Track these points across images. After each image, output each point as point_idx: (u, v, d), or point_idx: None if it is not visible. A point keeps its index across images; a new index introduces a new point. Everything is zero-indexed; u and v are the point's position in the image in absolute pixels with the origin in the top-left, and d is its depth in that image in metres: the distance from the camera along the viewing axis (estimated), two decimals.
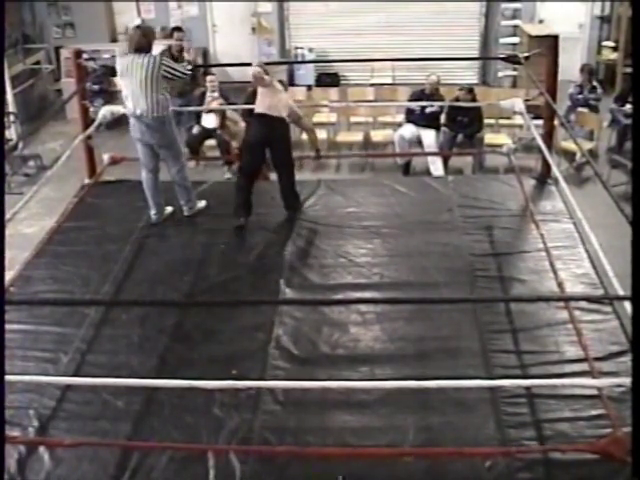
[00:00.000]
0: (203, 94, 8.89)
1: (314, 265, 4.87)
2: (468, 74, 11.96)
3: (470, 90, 8.72)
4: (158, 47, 10.19)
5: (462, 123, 8.73)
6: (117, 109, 5.81)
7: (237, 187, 5.46)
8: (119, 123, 6.66)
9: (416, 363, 3.91)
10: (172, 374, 3.75)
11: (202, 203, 5.61)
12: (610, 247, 4.20)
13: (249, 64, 5.35)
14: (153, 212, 5.41)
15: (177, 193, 5.45)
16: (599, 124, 9.13)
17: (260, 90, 5.37)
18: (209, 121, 8.83)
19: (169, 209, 5.57)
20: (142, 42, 4.98)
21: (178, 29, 9.66)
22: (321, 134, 9.52)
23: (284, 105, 5.40)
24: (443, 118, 8.90)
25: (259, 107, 5.33)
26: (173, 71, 5.05)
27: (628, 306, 3.23)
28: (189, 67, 5.46)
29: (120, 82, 5.17)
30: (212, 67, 10.82)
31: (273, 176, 5.84)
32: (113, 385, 3.60)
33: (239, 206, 5.39)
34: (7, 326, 3.52)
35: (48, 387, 3.73)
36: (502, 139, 8.91)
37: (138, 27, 5.20)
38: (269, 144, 5.35)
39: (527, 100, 6.47)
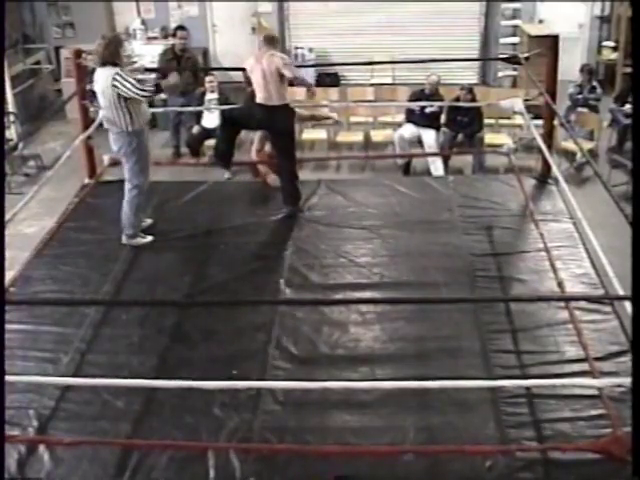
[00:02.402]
0: (203, 94, 8.90)
1: (314, 265, 4.87)
2: (468, 74, 11.93)
3: (470, 90, 8.71)
4: (158, 47, 10.29)
5: (462, 123, 8.72)
6: None
7: (221, 130, 5.49)
8: None
9: (416, 363, 3.91)
10: (172, 374, 3.75)
11: (146, 239, 5.19)
12: (610, 247, 4.21)
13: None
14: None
15: (122, 214, 5.11)
16: (599, 124, 9.12)
17: (253, 73, 5.21)
18: (209, 121, 8.85)
19: (148, 238, 5.25)
20: (104, 55, 4.84)
21: (181, 28, 9.64)
22: (321, 134, 9.54)
23: (280, 87, 5.19)
24: (443, 118, 8.90)
25: (257, 96, 5.23)
26: (126, 90, 4.78)
27: (628, 306, 3.23)
28: (148, 89, 4.96)
29: None
30: (214, 70, 10.77)
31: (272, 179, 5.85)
32: (113, 385, 3.60)
33: (221, 155, 5.51)
34: (7, 326, 3.52)
35: (48, 387, 3.73)
36: (502, 139, 8.91)
37: (103, 37, 4.99)
38: (269, 130, 5.32)
39: (527, 100, 6.47)
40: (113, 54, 4.84)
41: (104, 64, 4.85)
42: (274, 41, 5.36)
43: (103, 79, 4.85)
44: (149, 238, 5.21)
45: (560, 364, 3.83)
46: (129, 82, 4.79)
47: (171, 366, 3.97)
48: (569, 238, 5.03)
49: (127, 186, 5.10)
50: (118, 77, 4.78)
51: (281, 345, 4.07)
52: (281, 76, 5.13)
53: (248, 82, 5.52)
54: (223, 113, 6.04)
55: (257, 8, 12.10)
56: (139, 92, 4.83)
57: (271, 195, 5.79)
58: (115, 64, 4.83)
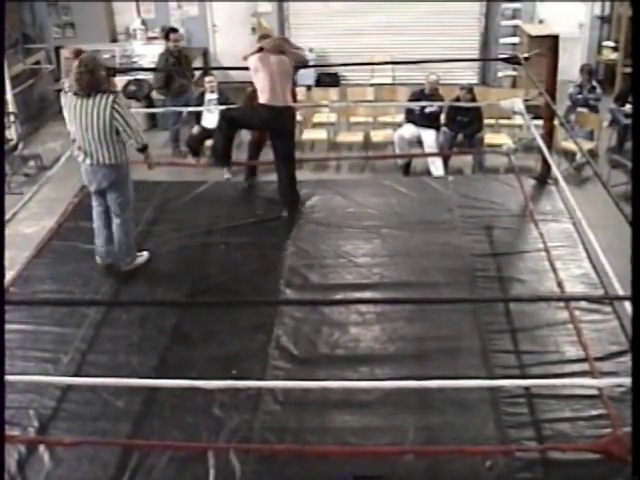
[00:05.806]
0: (203, 94, 8.90)
1: (314, 265, 4.87)
2: (468, 74, 11.93)
3: (470, 90, 8.71)
4: (158, 47, 10.28)
5: (462, 123, 8.72)
6: None
7: (219, 129, 5.47)
8: None
9: (416, 363, 3.91)
10: (172, 374, 3.75)
11: (144, 256, 4.93)
12: (610, 247, 4.20)
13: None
14: (99, 244, 4.90)
15: (117, 245, 4.79)
16: (599, 124, 9.12)
17: (259, 73, 5.15)
18: (209, 121, 8.84)
19: (145, 254, 4.99)
20: (91, 82, 4.39)
21: (173, 30, 9.56)
22: (321, 134, 9.54)
23: (287, 89, 5.19)
24: (443, 118, 8.90)
25: (261, 97, 5.18)
26: (123, 123, 4.43)
27: (628, 306, 3.23)
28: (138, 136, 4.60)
29: (67, 123, 4.62)
30: (214, 70, 10.78)
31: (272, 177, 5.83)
32: (113, 385, 3.60)
33: (219, 154, 5.48)
34: (7, 326, 3.51)
35: (48, 387, 3.74)
36: (502, 139, 8.91)
37: (80, 61, 4.45)
38: (271, 132, 5.31)
39: (527, 100, 6.46)
40: (100, 80, 4.42)
41: (89, 94, 4.40)
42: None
43: (91, 107, 4.40)
44: (145, 254, 4.95)
45: (560, 364, 3.83)
46: (125, 114, 4.44)
47: (171, 366, 3.97)
48: (569, 238, 5.03)
49: (116, 221, 4.74)
50: (117, 106, 4.41)
51: (281, 345, 4.07)
52: (289, 77, 5.18)
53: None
54: (222, 112, 6.02)
55: (257, 8, 12.10)
56: (134, 134, 4.50)
57: (271, 195, 5.78)
58: (104, 91, 4.42)
